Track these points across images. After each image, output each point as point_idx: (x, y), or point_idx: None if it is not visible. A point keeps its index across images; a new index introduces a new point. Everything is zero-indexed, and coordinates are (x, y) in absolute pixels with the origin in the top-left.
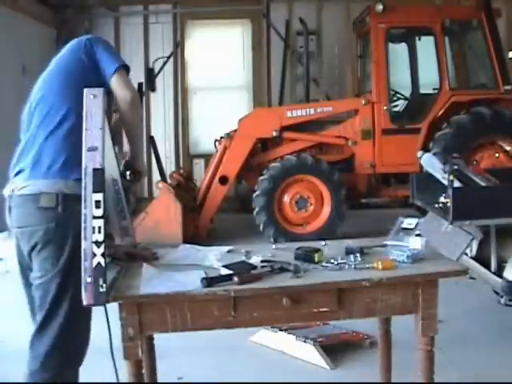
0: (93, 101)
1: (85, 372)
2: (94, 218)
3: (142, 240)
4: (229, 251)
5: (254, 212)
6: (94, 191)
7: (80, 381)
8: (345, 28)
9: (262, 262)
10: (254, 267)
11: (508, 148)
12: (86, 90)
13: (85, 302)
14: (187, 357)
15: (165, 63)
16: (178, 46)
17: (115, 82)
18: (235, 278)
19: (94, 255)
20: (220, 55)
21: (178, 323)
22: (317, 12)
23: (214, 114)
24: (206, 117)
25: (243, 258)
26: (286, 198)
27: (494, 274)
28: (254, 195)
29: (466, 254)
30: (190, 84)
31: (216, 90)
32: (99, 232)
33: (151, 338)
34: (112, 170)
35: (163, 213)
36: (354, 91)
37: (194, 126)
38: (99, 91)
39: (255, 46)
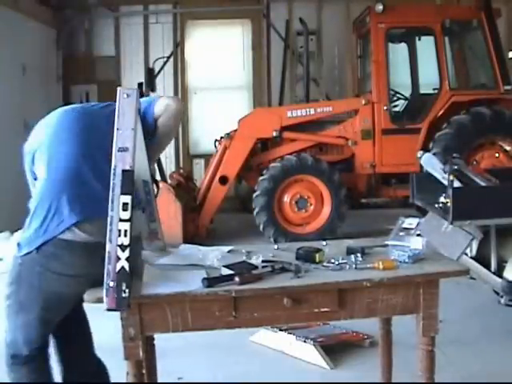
0: (126, 100)
1: None
2: (121, 220)
3: None
4: (229, 251)
5: (254, 212)
6: (122, 193)
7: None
8: (345, 28)
9: (262, 262)
10: (255, 267)
11: (508, 148)
12: (119, 89)
13: (106, 307)
14: (187, 357)
15: (165, 63)
16: (178, 45)
17: (159, 102)
18: (236, 278)
19: (119, 259)
20: (220, 55)
21: (179, 323)
22: (317, 12)
23: (214, 114)
24: (206, 117)
25: (244, 258)
26: (286, 198)
27: (494, 274)
28: (254, 195)
29: (466, 254)
30: (190, 84)
31: (216, 90)
32: (125, 235)
33: (151, 338)
34: (143, 172)
35: (163, 213)
36: (354, 91)
37: (193, 126)
38: (133, 91)
39: (255, 46)
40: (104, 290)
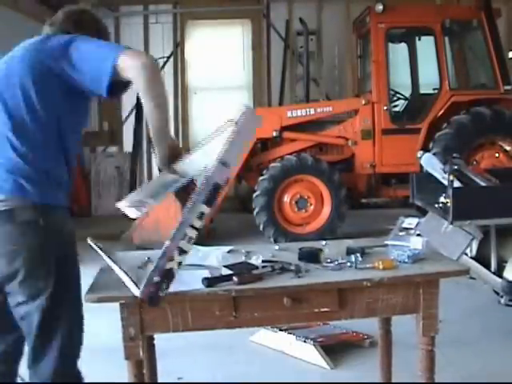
0: (249, 121)
1: (85, 372)
2: (192, 227)
3: (141, 240)
4: (230, 251)
5: (254, 212)
6: (204, 202)
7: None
8: (345, 28)
9: (262, 262)
10: (255, 267)
11: (508, 148)
12: (245, 108)
13: (139, 295)
14: (187, 357)
15: (165, 63)
16: (178, 46)
17: (122, 62)
18: (235, 279)
19: (171, 259)
20: (220, 55)
21: (179, 323)
22: (317, 12)
23: (214, 114)
24: (206, 117)
25: (244, 258)
26: (286, 198)
27: (494, 274)
28: (254, 195)
29: (466, 254)
30: (190, 84)
31: (216, 90)
32: (189, 242)
33: (152, 338)
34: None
35: (163, 213)
36: (353, 91)
37: (194, 126)
38: (257, 116)
39: (255, 46)
40: (145, 281)
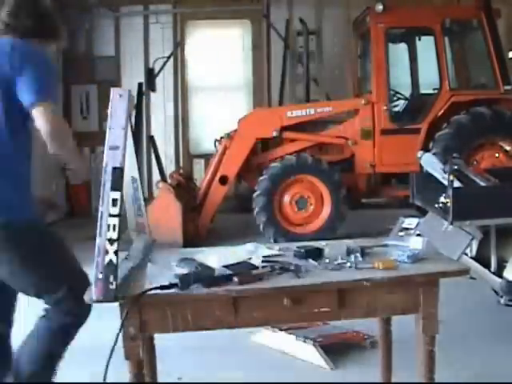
0: (118, 100)
1: (85, 372)
2: (110, 215)
3: None
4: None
5: (254, 212)
6: (112, 189)
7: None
8: (345, 28)
9: (262, 262)
10: (255, 267)
11: (508, 148)
12: (112, 90)
13: (94, 298)
14: (187, 357)
15: (165, 63)
16: (178, 45)
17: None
18: (235, 279)
19: (107, 252)
20: (220, 55)
21: (179, 323)
22: (317, 12)
23: (214, 114)
24: (206, 117)
25: (244, 258)
26: (286, 198)
27: (494, 274)
28: (254, 195)
29: (466, 254)
30: (190, 84)
31: (216, 89)
32: (114, 230)
33: (151, 338)
34: (131, 169)
35: (163, 213)
36: (354, 91)
37: (194, 126)
38: (125, 91)
39: (255, 46)
40: (92, 282)
